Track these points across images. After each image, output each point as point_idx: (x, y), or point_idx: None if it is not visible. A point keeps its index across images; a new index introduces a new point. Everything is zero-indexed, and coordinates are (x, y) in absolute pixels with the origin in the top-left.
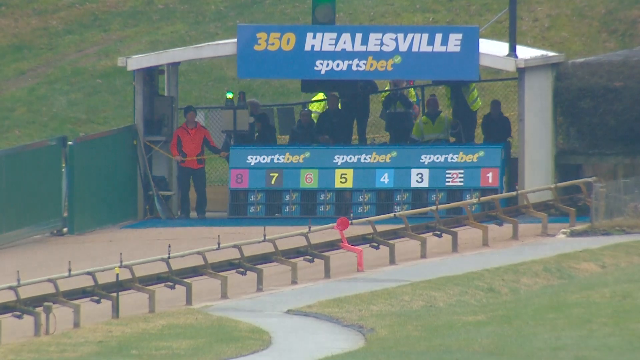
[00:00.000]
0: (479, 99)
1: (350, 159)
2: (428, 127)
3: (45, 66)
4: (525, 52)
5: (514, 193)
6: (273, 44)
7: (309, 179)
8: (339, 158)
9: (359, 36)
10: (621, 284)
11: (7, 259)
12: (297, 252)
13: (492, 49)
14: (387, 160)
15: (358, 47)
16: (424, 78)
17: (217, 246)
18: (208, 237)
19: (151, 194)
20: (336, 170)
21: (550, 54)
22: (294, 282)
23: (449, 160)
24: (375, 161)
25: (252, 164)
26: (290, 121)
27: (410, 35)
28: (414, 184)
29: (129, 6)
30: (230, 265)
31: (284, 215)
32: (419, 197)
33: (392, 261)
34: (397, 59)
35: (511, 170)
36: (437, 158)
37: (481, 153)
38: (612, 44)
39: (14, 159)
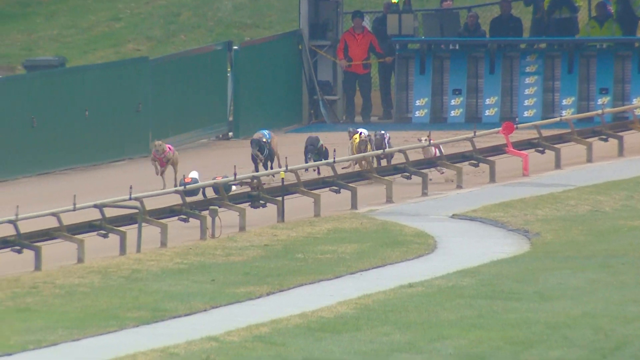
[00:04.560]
0: None
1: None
2: (595, 32)
3: None
4: None
5: None
6: None
7: None
8: None
9: None
10: None
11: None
12: (463, 157)
13: None
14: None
15: None
16: None
17: (382, 151)
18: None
19: (316, 99)
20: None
21: None
22: (459, 186)
23: None
24: None
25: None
26: (456, 25)
27: None
28: None
29: None
30: (395, 169)
31: (449, 121)
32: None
33: (558, 166)
34: None
35: None
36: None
37: None
38: None
39: (180, 63)
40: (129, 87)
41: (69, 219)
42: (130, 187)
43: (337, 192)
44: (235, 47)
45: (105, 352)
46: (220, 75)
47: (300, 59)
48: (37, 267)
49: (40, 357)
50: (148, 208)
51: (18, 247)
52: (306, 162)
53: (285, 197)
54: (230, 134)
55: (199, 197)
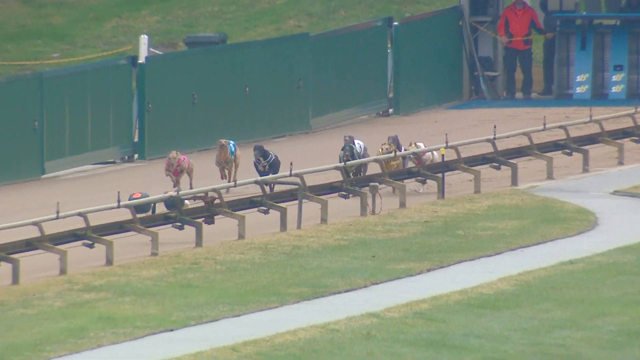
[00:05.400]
0: None
1: None
2: None
3: None
4: None
5: None
6: None
7: None
8: None
9: None
10: None
11: (334, 139)
12: (624, 133)
13: None
14: None
15: None
16: None
17: (542, 127)
18: (533, 118)
19: (476, 75)
20: None
21: None
22: (620, 163)
23: None
24: None
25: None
26: (617, 1)
27: None
28: None
29: None
30: (555, 146)
31: (609, 97)
32: None
33: None
34: None
35: None
36: None
37: None
38: None
39: (340, 39)
40: (290, 64)
41: (229, 195)
42: (291, 164)
43: (497, 168)
44: (396, 23)
45: (266, 328)
46: (380, 51)
47: (460, 35)
48: (198, 243)
49: (202, 332)
50: (308, 184)
51: (179, 224)
52: (258, 173)
53: (447, 173)
54: (391, 110)
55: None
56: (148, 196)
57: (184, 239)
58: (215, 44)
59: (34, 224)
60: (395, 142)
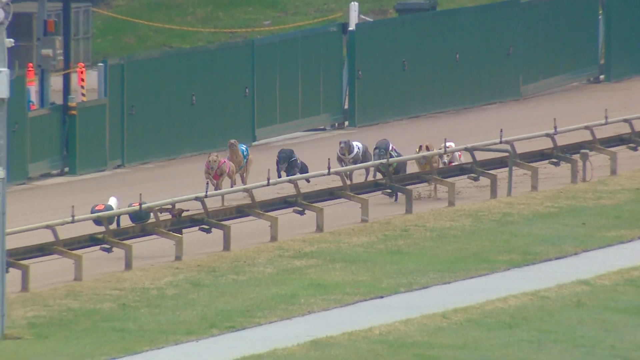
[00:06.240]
0: None
1: None
2: None
3: None
4: None
5: None
6: None
7: None
8: None
9: None
10: None
11: (545, 106)
12: None
13: None
14: None
15: None
16: None
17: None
18: None
19: None
20: None
21: None
22: None
23: None
24: None
25: None
26: None
27: None
28: None
29: None
30: None
31: None
32: None
33: None
34: None
35: None
36: None
37: None
38: None
39: (551, 5)
40: (500, 30)
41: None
42: (501, 131)
43: None
44: None
45: (476, 295)
46: (591, 17)
47: None
48: (408, 210)
49: (412, 299)
50: (519, 151)
51: (389, 191)
52: (279, 175)
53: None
54: (601, 77)
55: (113, 225)
56: (112, 208)
57: (393, 208)
58: (425, 11)
59: (245, 190)
60: (386, 147)
